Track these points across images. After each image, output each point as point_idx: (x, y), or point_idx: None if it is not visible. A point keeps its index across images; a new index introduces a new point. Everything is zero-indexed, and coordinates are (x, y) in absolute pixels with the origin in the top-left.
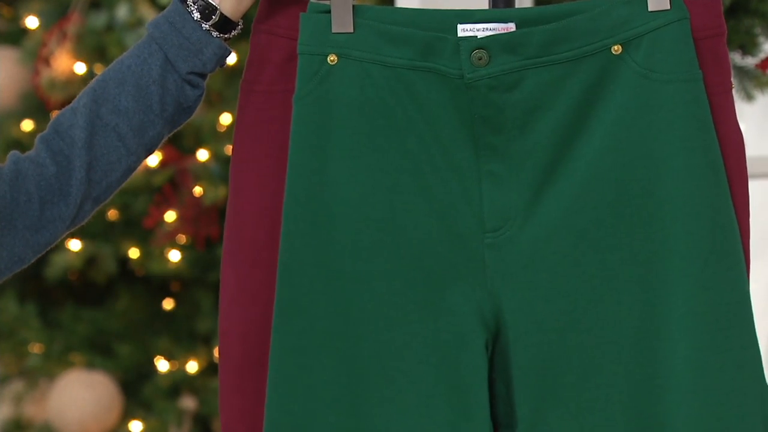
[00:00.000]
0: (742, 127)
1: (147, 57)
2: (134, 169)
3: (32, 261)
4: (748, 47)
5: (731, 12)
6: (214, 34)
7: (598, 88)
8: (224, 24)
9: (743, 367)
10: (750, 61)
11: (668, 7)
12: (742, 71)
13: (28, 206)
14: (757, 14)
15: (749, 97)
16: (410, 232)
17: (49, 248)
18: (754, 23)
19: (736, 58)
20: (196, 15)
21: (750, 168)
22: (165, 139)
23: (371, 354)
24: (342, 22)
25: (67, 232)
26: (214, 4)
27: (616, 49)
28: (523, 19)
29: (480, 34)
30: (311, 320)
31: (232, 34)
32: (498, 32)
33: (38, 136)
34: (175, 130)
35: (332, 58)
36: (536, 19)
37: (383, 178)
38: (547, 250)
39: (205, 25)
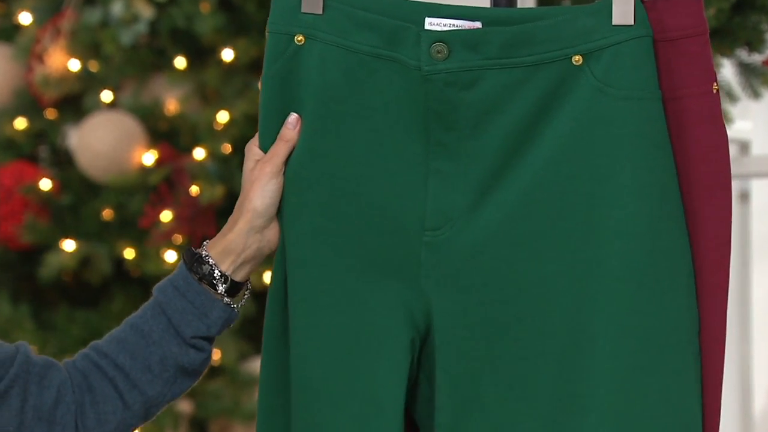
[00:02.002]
0: (749, 125)
1: (150, 318)
2: (131, 426)
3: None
4: (755, 44)
5: (737, 8)
6: (224, 299)
7: (554, 96)
8: (234, 288)
9: (668, 394)
10: (756, 58)
11: (632, 23)
12: (749, 68)
13: (46, 393)
14: (763, 10)
15: (756, 94)
16: (350, 220)
17: None
18: (761, 19)
19: (743, 54)
20: (218, 289)
21: (756, 167)
22: (168, 404)
23: (300, 340)
24: (311, 2)
25: None
26: (227, 273)
27: (577, 59)
28: (490, 19)
29: (446, 29)
30: (276, 303)
31: (243, 297)
32: (463, 29)
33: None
34: (182, 394)
35: (299, 39)
36: (504, 21)
37: (329, 165)
38: (484, 256)
39: (218, 290)
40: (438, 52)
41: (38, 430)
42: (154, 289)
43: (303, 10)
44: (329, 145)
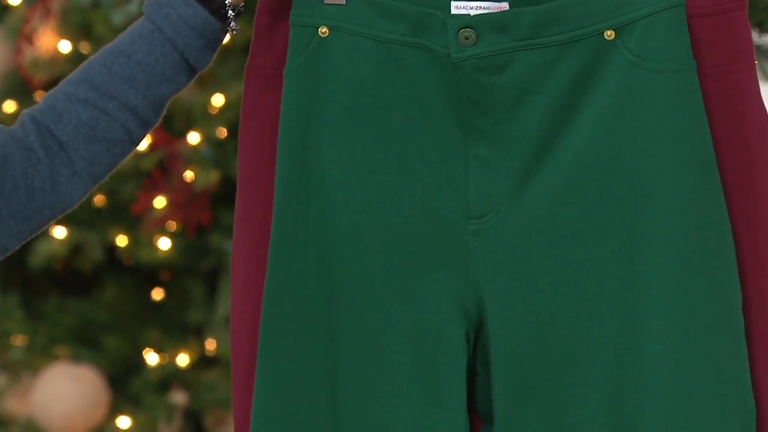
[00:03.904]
0: None
1: (159, 56)
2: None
3: (17, 248)
4: (765, 24)
5: None
6: (233, 26)
7: (589, 73)
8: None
9: (724, 373)
10: (767, 40)
11: None
12: (759, 50)
13: (13, 194)
14: None
15: (766, 76)
16: (391, 214)
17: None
18: None
19: (753, 36)
20: (234, 24)
21: None
22: None
23: (349, 341)
24: None
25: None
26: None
27: (609, 34)
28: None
29: (472, 13)
30: (299, 303)
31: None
32: (489, 11)
33: (27, 113)
34: None
35: (323, 30)
36: (532, 0)
37: (365, 158)
38: (531, 241)
39: (233, 25)
40: (466, 38)
41: (30, 225)
42: (161, 23)
43: (326, 2)
44: (364, 138)
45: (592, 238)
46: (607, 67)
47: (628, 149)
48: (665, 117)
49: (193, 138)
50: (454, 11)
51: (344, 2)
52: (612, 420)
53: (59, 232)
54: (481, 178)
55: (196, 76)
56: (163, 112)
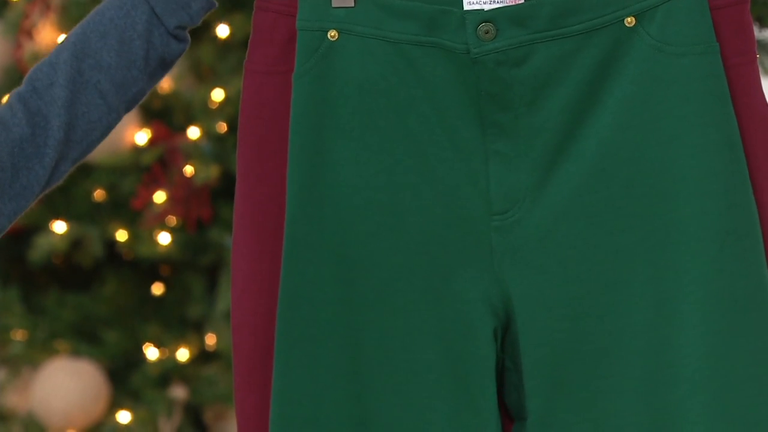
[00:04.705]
0: None
1: (130, 9)
2: (113, 126)
3: (7, 228)
4: (766, 19)
5: None
6: None
7: (610, 62)
8: None
9: (758, 354)
10: (767, 34)
11: None
12: (759, 44)
13: (0, 175)
14: None
15: (766, 71)
16: (413, 215)
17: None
18: None
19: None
20: None
21: None
22: (145, 96)
23: (375, 343)
24: None
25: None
26: None
27: (630, 21)
28: None
29: (486, 7)
30: (316, 308)
31: None
32: (505, 5)
33: (14, 92)
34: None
35: (333, 34)
36: None
37: (383, 160)
38: (557, 233)
39: None
40: (486, 32)
41: (19, 205)
42: None
43: (334, 5)
44: (380, 140)
45: (619, 226)
46: (628, 55)
47: (653, 135)
48: (691, 100)
49: (193, 133)
50: (467, 7)
51: (353, 4)
52: (648, 408)
53: (59, 226)
54: (501, 173)
55: (182, 44)
56: (144, 78)
